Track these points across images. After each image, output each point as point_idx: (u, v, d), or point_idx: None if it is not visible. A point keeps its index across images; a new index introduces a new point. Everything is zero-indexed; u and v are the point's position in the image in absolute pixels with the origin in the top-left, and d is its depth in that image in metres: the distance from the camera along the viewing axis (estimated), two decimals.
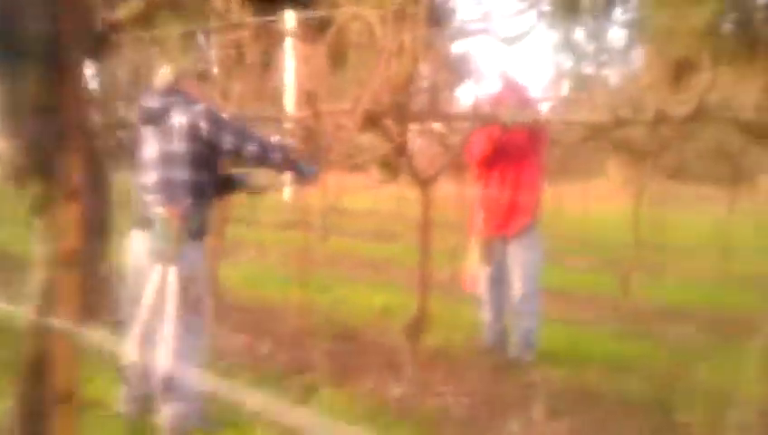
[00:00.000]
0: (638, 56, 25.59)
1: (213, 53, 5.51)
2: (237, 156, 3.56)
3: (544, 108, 4.62)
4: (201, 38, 6.16)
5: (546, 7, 24.09)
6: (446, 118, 4.48)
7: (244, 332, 5.38)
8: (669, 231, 8.73)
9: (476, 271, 5.12)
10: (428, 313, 4.43)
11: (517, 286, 4.90)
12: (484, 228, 5.06)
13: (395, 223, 12.70)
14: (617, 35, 28.55)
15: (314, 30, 4.86)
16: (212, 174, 3.59)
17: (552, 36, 27.25)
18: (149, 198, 3.53)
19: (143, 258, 3.50)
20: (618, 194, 17.51)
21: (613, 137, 5.93)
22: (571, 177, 12.87)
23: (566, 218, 12.01)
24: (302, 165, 3.71)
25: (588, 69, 26.10)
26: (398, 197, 13.86)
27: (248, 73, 5.17)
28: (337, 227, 11.81)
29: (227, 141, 3.46)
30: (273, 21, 5.07)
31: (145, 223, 3.51)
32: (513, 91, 4.57)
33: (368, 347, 5.09)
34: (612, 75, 26.05)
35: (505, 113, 3.87)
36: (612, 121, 3.18)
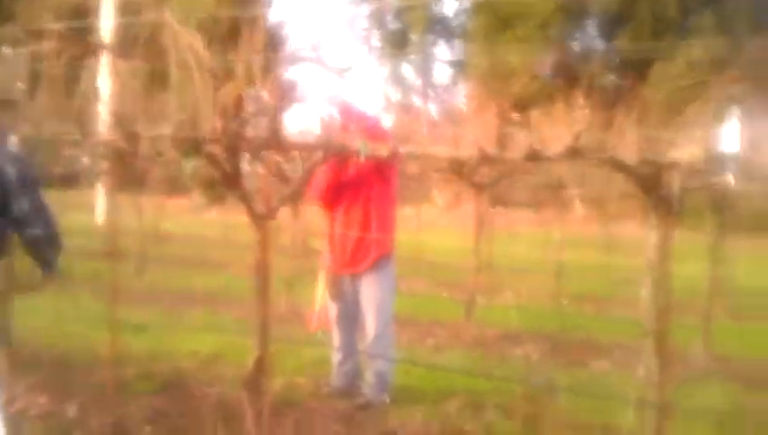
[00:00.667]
0: (461, 92, 27.19)
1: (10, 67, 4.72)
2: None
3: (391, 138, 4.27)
4: None
5: (376, 42, 24.90)
6: (285, 147, 4.06)
7: (46, 391, 4.58)
8: (501, 254, 8.89)
9: (323, 309, 4.75)
10: (269, 357, 3.98)
11: (370, 326, 4.60)
12: (332, 265, 4.70)
13: (219, 249, 12.06)
14: (442, 73, 30.28)
15: (132, 44, 4.28)
16: None
17: (382, 70, 28.16)
18: None
19: None
20: (442, 218, 18.22)
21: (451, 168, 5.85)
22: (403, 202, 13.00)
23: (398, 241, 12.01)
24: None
25: (415, 102, 27.22)
26: (223, 222, 13.29)
27: (53, 90, 4.46)
28: (155, 255, 10.96)
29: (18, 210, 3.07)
30: (84, 30, 4.40)
31: None
32: (355, 120, 4.23)
33: (198, 402, 4.46)
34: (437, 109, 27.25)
35: (353, 143, 3.54)
36: (478, 158, 2.95)
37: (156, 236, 12.67)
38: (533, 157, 3.10)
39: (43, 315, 6.11)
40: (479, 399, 4.65)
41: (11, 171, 2.99)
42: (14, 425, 4.05)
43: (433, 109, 27.01)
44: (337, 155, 4.00)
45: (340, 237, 4.63)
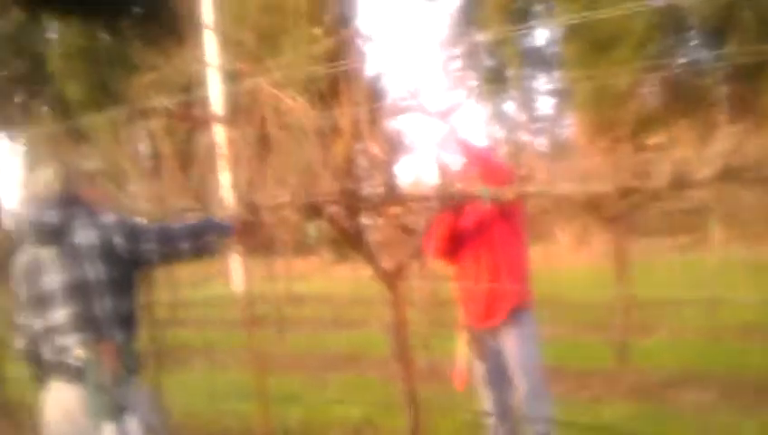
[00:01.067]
0: (568, 122, 26.46)
1: (124, 146, 4.79)
2: (170, 262, 3.05)
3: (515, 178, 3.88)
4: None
5: (473, 82, 24.77)
6: (403, 199, 3.83)
7: None
8: (644, 287, 8.17)
9: (467, 367, 4.36)
10: (422, 428, 3.67)
11: (520, 384, 4.11)
12: (467, 320, 4.33)
13: (353, 307, 11.98)
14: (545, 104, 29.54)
15: (239, 112, 4.24)
16: (136, 296, 2.95)
17: (483, 109, 27.80)
18: (63, 340, 2.72)
19: (79, 418, 2.67)
20: (569, 255, 17.44)
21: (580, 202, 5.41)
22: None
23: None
24: (222, 227, 3.24)
25: (522, 138, 26.66)
26: (353, 277, 13.24)
27: (168, 166, 4.48)
28: (292, 317, 11.01)
29: (153, 252, 2.85)
30: (193, 103, 4.39)
31: (68, 372, 2.71)
32: (476, 159, 3.89)
33: None
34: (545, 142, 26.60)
35: (474, 188, 3.23)
36: (619, 190, 2.58)
37: (291, 299, 12.82)
38: (681, 183, 2.67)
39: (193, 391, 6.17)
40: None
41: (119, 241, 2.79)
42: None
43: (541, 143, 26.39)
44: (457, 202, 3.68)
45: (470, 290, 4.24)
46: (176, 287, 13.91)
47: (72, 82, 24.86)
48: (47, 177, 2.93)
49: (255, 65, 3.74)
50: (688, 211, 9.55)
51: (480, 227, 4.14)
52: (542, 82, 28.20)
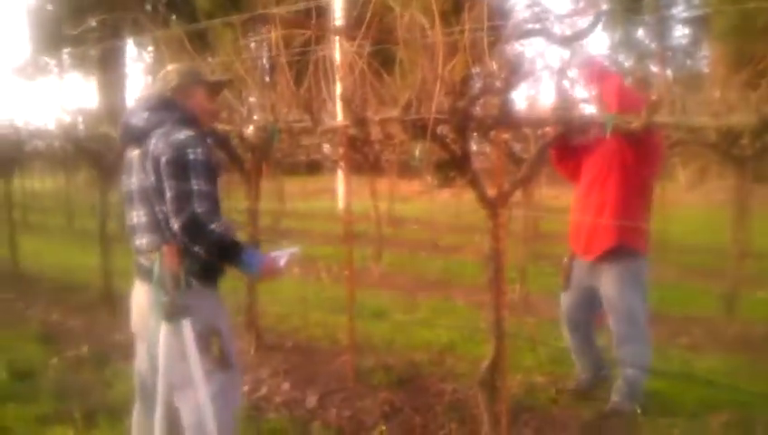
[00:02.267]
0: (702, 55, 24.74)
1: (240, 53, 4.85)
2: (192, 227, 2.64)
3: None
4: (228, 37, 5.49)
5: (604, 5, 23.36)
6: (516, 124, 3.73)
7: (289, 379, 4.70)
8: (763, 235, 7.71)
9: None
10: (505, 356, 3.70)
11: (613, 327, 4.02)
12: (571, 248, 4.24)
13: (452, 232, 12.00)
14: (679, 33, 27.40)
15: (358, 26, 4.19)
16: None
17: (611, 36, 26.22)
18: (141, 240, 2.86)
19: (147, 317, 2.82)
20: (687, 194, 16.65)
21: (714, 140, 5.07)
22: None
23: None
24: (242, 256, 2.71)
25: (651, 68, 25.06)
26: (455, 203, 13.22)
27: (283, 77, 4.51)
28: (391, 238, 11.17)
29: (166, 194, 2.68)
30: (313, 14, 4.37)
31: (140, 271, 2.87)
32: (611, 87, 3.63)
33: (433, 399, 4.30)
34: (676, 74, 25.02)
35: (597, 114, 3.09)
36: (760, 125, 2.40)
37: (391, 220, 12.97)
38: None
39: (287, 300, 6.41)
40: (747, 413, 3.95)
41: (163, 161, 2.68)
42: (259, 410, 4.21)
43: (674, 73, 24.86)
44: (577, 128, 3.54)
45: (577, 220, 4.11)
46: (282, 198, 14.39)
47: None
48: (159, 76, 3.01)
49: None
50: None
51: (597, 156, 3.99)
52: (679, 9, 26.37)
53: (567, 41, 3.54)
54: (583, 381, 4.38)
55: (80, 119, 7.69)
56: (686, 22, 26.14)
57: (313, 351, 5.34)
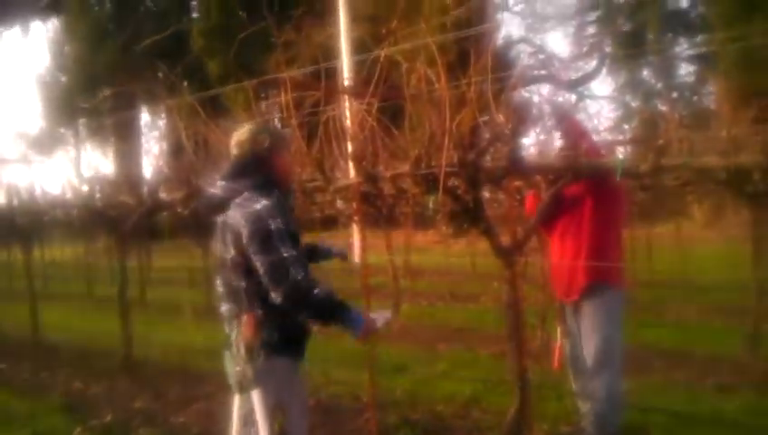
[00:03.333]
0: (708, 91, 24.85)
1: (252, 116, 4.96)
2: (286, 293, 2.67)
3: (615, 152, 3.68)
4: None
5: (609, 48, 23.65)
6: (526, 173, 3.77)
7: None
8: None
9: (562, 346, 4.32)
10: (530, 409, 3.67)
11: (589, 360, 4.04)
12: (556, 295, 4.29)
13: (469, 281, 11.98)
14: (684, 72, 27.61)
15: (367, 84, 4.28)
16: None
17: (616, 78, 26.43)
18: (222, 307, 2.91)
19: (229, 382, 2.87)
20: (704, 235, 16.55)
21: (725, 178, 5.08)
22: (657, 218, 11.98)
23: (660, 259, 11.06)
24: (347, 316, 2.73)
25: (658, 107, 25.16)
26: (470, 252, 13.23)
27: (295, 137, 4.60)
28: (409, 289, 11.16)
29: (257, 267, 2.70)
30: (323, 75, 4.47)
31: (225, 338, 2.91)
32: (577, 137, 3.73)
33: None
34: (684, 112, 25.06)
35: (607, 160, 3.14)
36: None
37: (408, 272, 12.96)
38: None
39: (308, 358, 6.37)
40: None
41: (245, 233, 2.71)
42: None
43: (680, 112, 24.85)
44: (582, 175, 3.57)
45: (556, 264, 4.18)
46: None
47: (212, 59, 26.16)
48: (245, 138, 2.93)
49: (386, 36, 3.76)
50: None
51: (573, 202, 4.05)
52: (683, 48, 26.58)
53: (573, 85, 3.61)
54: (581, 427, 4.33)
55: (97, 187, 7.83)
56: (690, 59, 26.31)
57: (335, 409, 5.29)
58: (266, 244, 2.65)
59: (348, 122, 4.32)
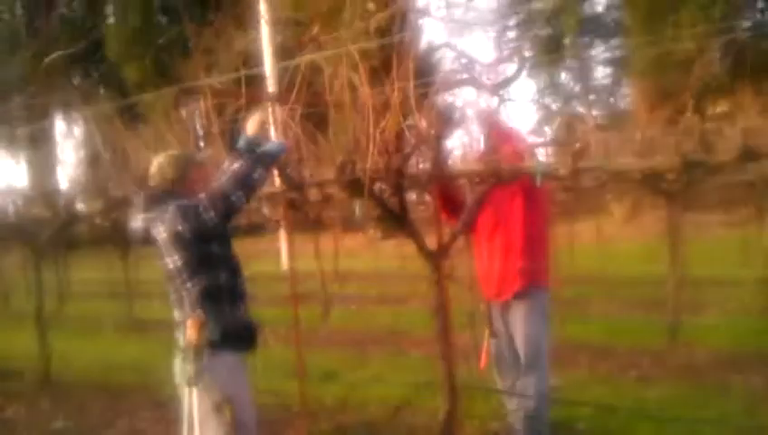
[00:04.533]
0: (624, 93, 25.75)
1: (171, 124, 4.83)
2: (232, 216, 3.07)
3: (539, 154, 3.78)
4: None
5: (528, 53, 24.21)
6: (450, 177, 3.81)
7: None
8: (697, 264, 7.98)
9: (488, 346, 4.41)
10: (460, 409, 3.70)
11: (521, 359, 4.19)
12: (484, 295, 4.38)
13: (398, 283, 12.04)
14: (601, 74, 28.50)
15: (290, 91, 4.25)
16: (222, 271, 3.17)
17: (536, 81, 27.05)
18: (174, 314, 3.18)
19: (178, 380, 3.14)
20: (623, 229, 17.13)
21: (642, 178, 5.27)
22: (577, 216, 12.32)
23: (581, 256, 11.38)
24: (271, 150, 3.24)
25: (577, 109, 25.93)
26: (399, 254, 13.29)
27: (216, 146, 4.52)
28: (338, 293, 11.12)
29: (213, 219, 2.96)
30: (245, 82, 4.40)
31: (175, 341, 3.17)
32: (500, 140, 3.81)
33: None
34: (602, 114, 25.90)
35: (527, 163, 3.20)
36: (682, 164, 2.52)
37: (337, 276, 12.94)
38: (748, 156, 2.60)
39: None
40: None
41: (183, 227, 2.99)
42: None
43: (598, 114, 25.64)
44: (505, 179, 3.64)
45: (484, 265, 4.28)
46: None
47: (129, 65, 25.39)
48: (154, 172, 3.21)
49: (309, 42, 3.74)
50: (744, 184, 9.21)
51: (500, 203, 4.13)
52: (600, 51, 27.40)
53: (495, 89, 3.67)
54: (507, 425, 4.44)
55: (10, 199, 7.52)
56: (607, 62, 27.18)
57: (265, 420, 5.19)
58: (192, 204, 2.97)
59: (272, 129, 4.26)
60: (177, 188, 3.14)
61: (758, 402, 4.62)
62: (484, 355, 4.39)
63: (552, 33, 25.80)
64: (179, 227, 2.97)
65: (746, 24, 21.22)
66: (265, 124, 3.56)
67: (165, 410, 5.58)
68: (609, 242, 12.73)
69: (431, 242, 3.62)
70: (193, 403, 2.96)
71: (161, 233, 3.04)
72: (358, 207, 4.58)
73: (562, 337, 6.63)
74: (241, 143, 3.30)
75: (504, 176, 3.36)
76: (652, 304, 7.91)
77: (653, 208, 16.98)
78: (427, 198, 4.31)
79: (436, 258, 3.57)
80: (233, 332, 3.12)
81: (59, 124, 29.70)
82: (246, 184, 3.01)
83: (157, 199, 3.11)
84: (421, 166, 3.66)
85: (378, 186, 3.70)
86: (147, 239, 3.14)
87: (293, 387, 4.64)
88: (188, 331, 2.98)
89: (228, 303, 3.15)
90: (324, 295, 9.38)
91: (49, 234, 6.48)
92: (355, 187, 3.55)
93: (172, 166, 3.17)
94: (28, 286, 11.12)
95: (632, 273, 10.12)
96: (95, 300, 13.43)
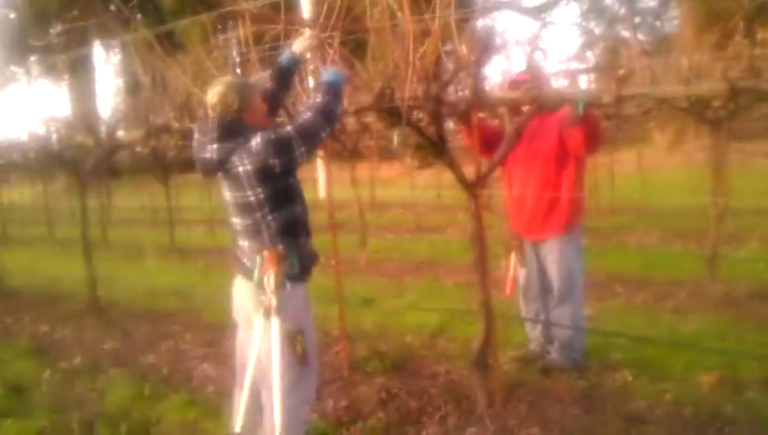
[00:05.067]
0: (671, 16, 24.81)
1: (210, 51, 4.80)
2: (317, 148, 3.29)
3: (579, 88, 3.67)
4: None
5: None
6: (489, 105, 3.75)
7: None
8: (741, 195, 7.80)
9: (516, 273, 4.48)
10: (494, 337, 3.76)
11: (556, 291, 4.27)
12: (514, 229, 4.41)
13: (435, 213, 12.06)
14: None
15: (328, 17, 4.18)
16: (298, 204, 3.16)
17: (580, 4, 26.18)
18: (242, 243, 3.15)
19: (248, 310, 3.16)
20: (666, 158, 16.77)
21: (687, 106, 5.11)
22: (619, 145, 12.08)
23: (622, 186, 11.24)
24: (334, 81, 3.14)
25: (621, 33, 25.04)
26: (436, 183, 13.27)
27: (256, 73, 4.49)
28: (375, 223, 11.20)
29: (303, 153, 2.99)
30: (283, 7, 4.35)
31: (244, 271, 3.14)
32: (533, 73, 3.70)
33: (427, 382, 4.33)
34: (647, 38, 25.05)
35: (574, 90, 3.14)
36: (728, 92, 2.44)
37: (374, 205, 12.99)
38: None
39: None
40: (735, 373, 4.04)
41: (274, 162, 2.95)
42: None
43: (643, 39, 24.83)
44: (546, 107, 3.57)
45: (519, 201, 4.28)
46: None
47: None
48: (216, 100, 3.06)
49: None
50: None
51: (534, 135, 4.07)
52: None
53: (537, 12, 3.56)
54: (530, 351, 4.55)
55: (53, 128, 7.63)
56: None
57: None
58: (284, 138, 2.94)
59: (311, 56, 4.22)
60: (244, 116, 3.05)
61: None
62: (510, 282, 4.47)
63: None
64: (271, 161, 2.91)
65: None
66: (313, 48, 3.58)
67: (206, 333, 5.78)
68: (651, 171, 12.51)
69: (469, 172, 3.60)
70: (268, 333, 2.99)
71: (245, 165, 2.94)
72: (396, 136, 4.55)
73: (600, 268, 6.63)
74: (284, 59, 3.38)
75: (545, 104, 3.29)
76: (692, 236, 7.83)
77: (697, 137, 16.62)
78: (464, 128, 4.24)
79: (473, 188, 3.55)
80: (306, 263, 3.16)
81: (98, 51, 29.87)
82: (330, 118, 3.05)
83: (231, 129, 3.01)
84: (460, 94, 3.62)
85: (416, 114, 3.67)
86: (218, 168, 3.02)
87: (333, 313, 4.72)
88: (267, 263, 2.99)
89: (304, 235, 3.17)
90: (361, 224, 9.44)
91: (92, 162, 6.58)
92: (393, 115, 3.53)
93: (235, 93, 3.03)
94: (73, 214, 11.42)
95: (673, 203, 9.97)
96: (138, 227, 13.74)
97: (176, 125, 4.94)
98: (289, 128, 2.98)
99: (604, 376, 4.18)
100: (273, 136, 2.94)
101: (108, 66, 33.06)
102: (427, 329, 5.39)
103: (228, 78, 3.21)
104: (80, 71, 26.75)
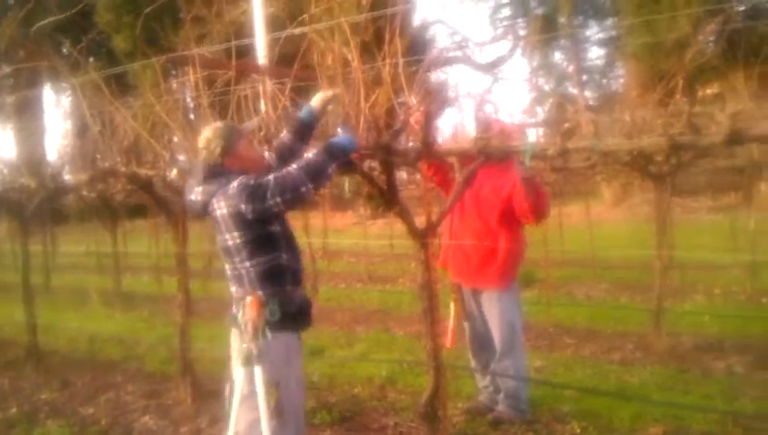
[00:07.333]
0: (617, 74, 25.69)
1: (161, 95, 4.76)
2: (297, 205, 3.01)
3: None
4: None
5: (522, 32, 23.97)
6: (440, 155, 3.77)
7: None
8: (685, 248, 8.01)
9: (455, 326, 4.47)
10: (444, 388, 3.71)
11: (496, 344, 4.28)
12: (453, 278, 4.45)
13: (387, 261, 12.05)
14: (594, 55, 28.42)
15: (282, 65, 4.19)
16: (285, 252, 3.08)
17: (530, 60, 26.90)
18: (231, 289, 3.12)
19: (232, 357, 3.09)
20: (612, 212, 17.15)
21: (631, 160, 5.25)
22: (568, 198, 12.34)
23: (570, 238, 11.42)
24: (338, 144, 3.09)
25: (569, 90, 25.83)
26: (388, 233, 13.30)
27: (205, 118, 4.46)
28: (327, 271, 11.13)
29: (278, 205, 2.89)
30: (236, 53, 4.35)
31: (232, 317, 3.10)
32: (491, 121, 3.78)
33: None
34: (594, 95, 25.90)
35: (521, 144, 3.18)
36: (669, 146, 2.50)
37: (325, 254, 12.91)
38: (737, 139, 2.58)
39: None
40: (682, 425, 4.06)
41: (245, 207, 2.90)
42: None
43: (590, 95, 25.60)
44: (495, 158, 3.61)
45: (458, 249, 4.32)
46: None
47: (118, 34, 25.05)
48: (201, 146, 3.09)
49: (301, 14, 3.67)
50: (732, 170, 9.22)
51: (481, 187, 4.13)
52: (594, 31, 27.30)
53: (488, 67, 3.61)
54: (480, 403, 4.53)
55: None
56: (601, 43, 27.09)
57: None
58: (259, 186, 2.88)
59: (261, 103, 4.22)
60: (226, 161, 3.04)
61: (739, 387, 4.65)
62: (451, 334, 4.45)
63: (546, 12, 25.68)
64: (242, 207, 2.88)
65: (740, 6, 21.07)
66: (331, 103, 3.48)
67: (149, 383, 5.59)
68: (598, 224, 12.74)
69: (420, 221, 3.60)
70: (247, 383, 2.93)
71: (222, 208, 2.94)
72: (347, 185, 4.54)
73: (550, 319, 6.68)
74: (303, 113, 3.38)
75: (493, 155, 3.33)
76: (639, 288, 7.97)
77: (642, 191, 17.06)
78: (417, 176, 4.28)
79: (423, 237, 3.54)
80: (291, 311, 3.07)
81: (47, 93, 29.39)
82: (318, 177, 2.94)
83: (214, 172, 3.03)
84: (411, 144, 3.64)
85: (368, 163, 3.67)
86: (204, 212, 3.04)
87: None
88: (248, 310, 2.92)
89: (290, 283, 3.08)
90: (313, 272, 9.36)
91: (36, 205, 6.41)
92: (345, 163, 3.52)
93: (219, 139, 3.04)
94: (15, 258, 11.05)
95: (620, 256, 10.16)
96: (83, 272, 13.37)
97: (122, 169, 4.84)
98: (270, 176, 2.92)
99: (553, 428, 4.17)
100: (250, 182, 2.89)
101: (57, 109, 32.49)
102: (377, 380, 5.31)
103: (218, 123, 3.23)
104: (27, 112, 26.26)
